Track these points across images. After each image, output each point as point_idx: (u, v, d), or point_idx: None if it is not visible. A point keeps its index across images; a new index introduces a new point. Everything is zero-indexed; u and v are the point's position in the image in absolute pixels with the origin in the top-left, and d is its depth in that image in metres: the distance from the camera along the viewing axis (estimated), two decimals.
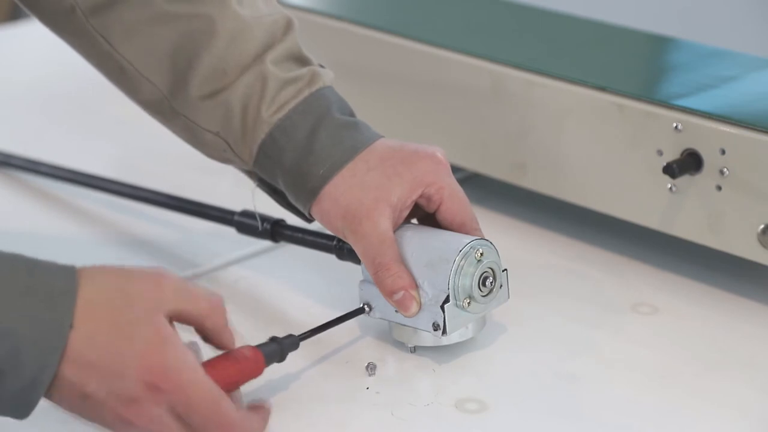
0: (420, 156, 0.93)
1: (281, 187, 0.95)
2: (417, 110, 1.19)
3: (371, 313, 0.93)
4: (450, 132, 1.17)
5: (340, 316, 0.92)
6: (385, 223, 0.91)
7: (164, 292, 0.76)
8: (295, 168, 0.93)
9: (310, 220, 0.96)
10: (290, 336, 0.86)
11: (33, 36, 1.72)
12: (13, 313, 0.71)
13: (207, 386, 0.75)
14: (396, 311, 0.91)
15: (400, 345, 0.94)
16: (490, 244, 0.91)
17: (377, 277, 0.90)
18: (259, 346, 0.83)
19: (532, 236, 1.14)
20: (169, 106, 0.96)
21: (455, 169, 1.16)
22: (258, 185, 0.99)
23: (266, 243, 1.06)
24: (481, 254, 0.90)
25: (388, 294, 0.90)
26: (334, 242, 0.96)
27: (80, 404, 0.74)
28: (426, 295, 0.90)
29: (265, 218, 1.02)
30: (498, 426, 0.85)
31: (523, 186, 1.13)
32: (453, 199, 0.93)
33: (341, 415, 0.86)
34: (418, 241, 0.91)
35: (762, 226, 0.97)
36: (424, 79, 1.17)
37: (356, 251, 0.92)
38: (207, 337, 0.79)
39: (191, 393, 0.75)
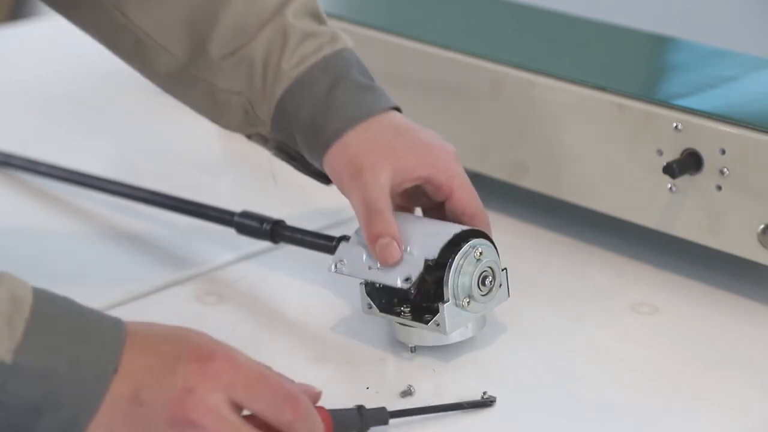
0: (438, 142, 0.94)
1: (298, 143, 0.95)
2: (417, 110, 1.19)
3: (340, 269, 0.92)
4: (450, 132, 1.16)
5: (455, 404, 0.86)
6: (386, 179, 0.91)
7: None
8: (311, 123, 0.93)
9: (328, 181, 0.96)
10: (381, 409, 0.83)
11: (33, 36, 1.72)
12: (57, 354, 0.70)
13: (261, 365, 0.75)
14: (369, 268, 0.90)
15: (400, 345, 0.94)
16: (489, 243, 0.92)
17: (369, 220, 0.90)
18: (332, 411, 0.80)
19: (532, 236, 1.14)
20: (188, 73, 0.96)
21: None
22: (275, 153, 0.99)
23: (266, 243, 1.06)
24: (481, 253, 0.90)
25: (375, 237, 0.89)
26: (333, 242, 0.96)
27: (132, 415, 0.71)
28: (410, 255, 0.90)
29: (264, 219, 1.02)
30: (498, 426, 0.85)
31: (523, 186, 1.13)
32: (464, 189, 0.93)
33: None
34: (419, 219, 0.92)
35: (762, 226, 0.97)
36: (424, 79, 1.17)
37: (352, 198, 0.91)
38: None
39: (248, 371, 0.73)
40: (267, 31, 0.94)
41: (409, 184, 0.92)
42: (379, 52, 1.20)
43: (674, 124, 1.00)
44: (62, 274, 1.05)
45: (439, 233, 0.90)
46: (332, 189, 0.96)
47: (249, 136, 1.00)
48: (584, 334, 0.96)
